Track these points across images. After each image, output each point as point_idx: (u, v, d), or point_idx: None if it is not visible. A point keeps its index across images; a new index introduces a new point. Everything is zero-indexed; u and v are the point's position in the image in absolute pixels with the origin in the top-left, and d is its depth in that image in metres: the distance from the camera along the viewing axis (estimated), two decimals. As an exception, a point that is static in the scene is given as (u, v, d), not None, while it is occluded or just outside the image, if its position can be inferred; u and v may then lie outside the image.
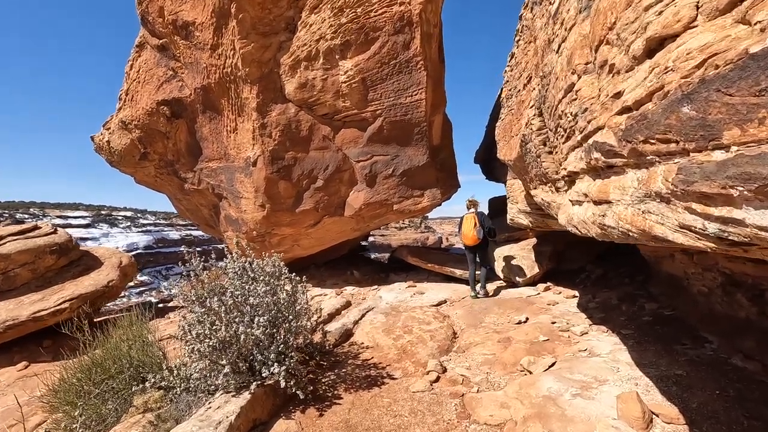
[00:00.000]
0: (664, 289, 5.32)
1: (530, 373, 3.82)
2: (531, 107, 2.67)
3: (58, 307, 6.80)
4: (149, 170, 9.72)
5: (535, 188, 3.14)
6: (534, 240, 8.68)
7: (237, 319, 3.25)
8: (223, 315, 3.18)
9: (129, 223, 61.40)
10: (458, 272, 8.36)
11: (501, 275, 8.16)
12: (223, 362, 3.03)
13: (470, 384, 3.85)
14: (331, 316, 6.31)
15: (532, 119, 2.62)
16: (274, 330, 3.53)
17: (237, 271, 3.75)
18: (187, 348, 3.13)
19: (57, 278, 7.76)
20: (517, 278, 7.58)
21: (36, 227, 8.44)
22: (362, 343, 5.00)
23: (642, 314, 5.02)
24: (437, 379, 3.99)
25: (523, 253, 8.08)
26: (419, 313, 6.05)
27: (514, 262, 7.88)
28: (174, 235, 59.55)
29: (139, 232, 58.94)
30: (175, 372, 3.15)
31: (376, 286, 8.38)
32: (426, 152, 7.64)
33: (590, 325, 5.04)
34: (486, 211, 8.23)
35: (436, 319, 5.75)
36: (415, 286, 8.14)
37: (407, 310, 6.27)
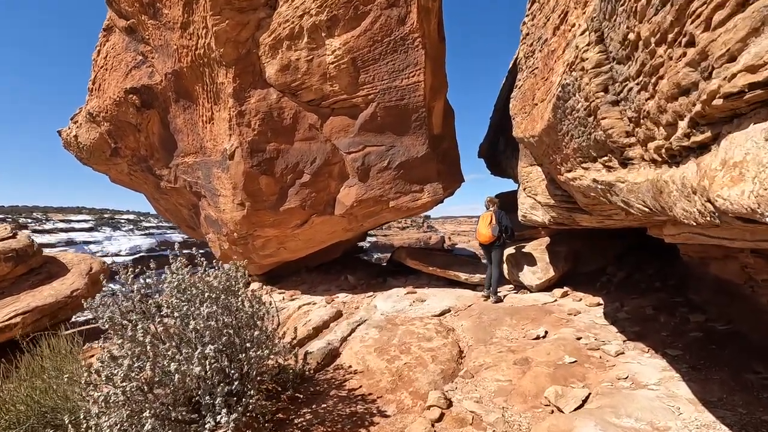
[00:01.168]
0: (709, 296, 4.50)
1: (560, 411, 3.01)
2: (582, 34, 1.87)
3: (6, 323, 6.03)
4: (122, 167, 8.94)
5: (573, 169, 2.37)
6: (546, 239, 7.88)
7: (171, 352, 2.45)
8: (148, 347, 2.37)
9: (132, 226, 62.04)
10: (463, 276, 7.55)
11: (510, 279, 7.36)
12: (147, 413, 2.22)
13: (482, 425, 3.05)
14: (318, 331, 5.51)
15: (584, 52, 1.83)
16: (228, 362, 2.72)
17: (178, 285, 2.93)
18: (97, 394, 2.33)
19: (12, 289, 6.99)
20: (530, 282, 6.77)
21: (-8, 231, 7.69)
22: (350, 366, 4.20)
23: (687, 328, 4.21)
24: (440, 417, 3.20)
25: (535, 254, 7.27)
26: (419, 326, 5.25)
27: (525, 264, 7.08)
28: (177, 237, 59.36)
29: (141, 235, 59.52)
30: (84, 426, 2.35)
31: (371, 293, 7.58)
32: (425, 142, 6.83)
33: (624, 341, 4.24)
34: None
35: (439, 334, 4.95)
36: (416, 293, 7.34)
37: (405, 322, 5.47)
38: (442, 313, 6.08)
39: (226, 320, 2.74)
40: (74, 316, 7.59)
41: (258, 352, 2.84)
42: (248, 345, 2.82)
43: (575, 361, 3.85)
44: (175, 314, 2.67)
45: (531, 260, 7.08)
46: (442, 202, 9.34)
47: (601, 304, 5.60)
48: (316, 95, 6.76)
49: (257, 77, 6.75)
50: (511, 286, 7.40)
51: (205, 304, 2.65)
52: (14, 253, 7.15)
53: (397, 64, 6.49)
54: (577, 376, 3.57)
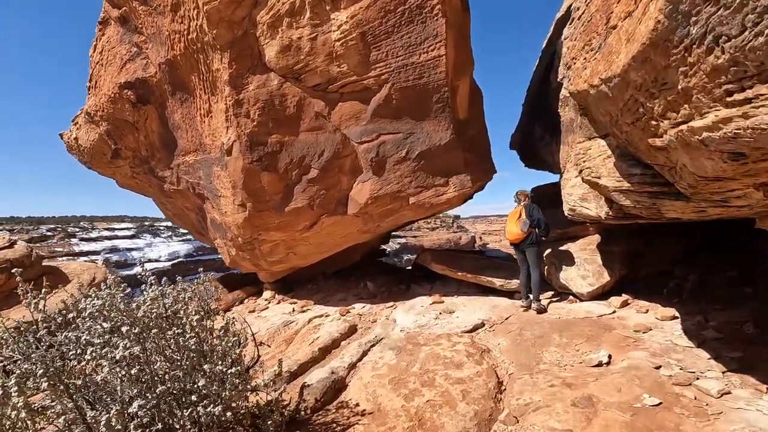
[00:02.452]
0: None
1: (657, 494, 2.03)
2: None
3: (-8, 341, 5.58)
4: (125, 170, 8.48)
5: (702, 112, 1.44)
6: (596, 237, 6.77)
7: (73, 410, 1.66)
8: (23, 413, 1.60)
9: (170, 233, 64.66)
10: (498, 282, 6.56)
11: (553, 285, 6.32)
12: None
13: None
14: (325, 352, 4.69)
15: None
16: (169, 417, 1.92)
17: (98, 312, 2.15)
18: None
19: (5, 302, 6.58)
20: (580, 289, 5.72)
21: (-10, 241, 7.37)
22: (356, 404, 3.35)
23: (815, 356, 3.10)
24: (476, 493, 2.28)
25: (584, 255, 6.20)
26: (446, 347, 4.34)
27: (572, 267, 6.02)
28: (213, 243, 61.21)
29: (179, 241, 62.00)
30: None
31: (392, 303, 6.71)
32: (449, 127, 5.92)
33: (725, 373, 3.19)
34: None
35: (471, 358, 4.02)
36: (442, 302, 6.41)
37: (429, 341, 4.58)
38: (475, 329, 5.14)
39: (156, 366, 1.94)
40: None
41: (210, 408, 2.02)
42: (195, 397, 2.01)
43: (660, 404, 2.84)
44: (87, 355, 1.91)
45: (579, 263, 6.01)
46: (471, 197, 8.37)
47: (677, 318, 4.50)
48: (322, 78, 5.97)
49: (256, 61, 6.03)
50: (553, 292, 6.36)
51: (123, 343, 1.87)
52: (8, 264, 6.76)
53: (413, 37, 5.63)
54: (669, 428, 2.57)
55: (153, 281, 2.78)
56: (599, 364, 3.65)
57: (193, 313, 2.58)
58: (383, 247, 11.77)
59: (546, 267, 6.50)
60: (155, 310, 2.30)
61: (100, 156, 8.24)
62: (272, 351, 5.35)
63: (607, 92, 1.99)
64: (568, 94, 5.89)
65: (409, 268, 11.37)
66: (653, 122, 1.79)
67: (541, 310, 5.38)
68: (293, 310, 7.01)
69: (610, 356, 3.77)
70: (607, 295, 5.71)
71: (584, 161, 3.52)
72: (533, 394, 3.29)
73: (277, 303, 7.90)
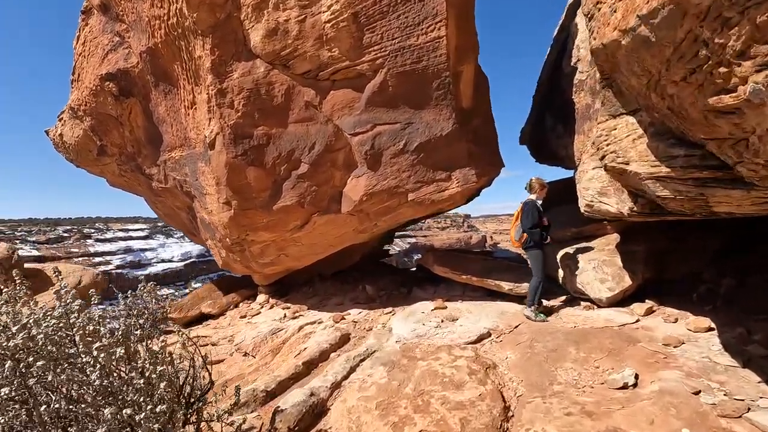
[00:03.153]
0: None
1: None
2: None
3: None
4: (112, 168, 8.11)
5: None
6: (614, 236, 6.19)
7: None
8: None
9: (182, 234, 65.17)
10: (506, 286, 6.02)
11: (568, 288, 5.76)
12: None
13: None
14: (309, 367, 4.21)
15: None
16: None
17: None
18: None
19: (-19, 308, 6.25)
20: (598, 294, 5.15)
21: (-32, 243, 7.05)
22: (336, 435, 2.84)
23: None
24: None
25: (602, 256, 5.63)
26: (446, 362, 3.83)
27: (589, 269, 5.46)
28: (225, 244, 61.69)
29: (191, 241, 62.42)
30: None
31: (391, 309, 6.21)
32: (451, 116, 5.41)
33: (783, 402, 2.61)
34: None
35: (474, 376, 3.50)
36: (445, 308, 5.89)
37: (427, 355, 4.07)
38: (480, 339, 4.62)
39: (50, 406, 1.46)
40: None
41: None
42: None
43: (705, 443, 2.30)
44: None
45: (597, 265, 5.44)
46: (478, 194, 7.84)
47: (713, 329, 3.92)
48: (311, 65, 5.50)
49: (240, 47, 5.58)
50: (565, 296, 5.81)
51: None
52: (-15, 268, 6.42)
53: (410, 16, 5.13)
54: (721, 480, 2.03)
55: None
56: (624, 387, 3.11)
57: (120, 334, 2.10)
58: (386, 247, 11.26)
59: (559, 270, 5.94)
60: (55, 333, 1.84)
61: (86, 153, 7.88)
62: (257, 363, 4.89)
63: (648, 36, 1.48)
64: (584, 77, 5.34)
65: (414, 269, 10.86)
66: (722, 69, 1.28)
67: (542, 319, 4.92)
68: (284, 316, 6.55)
69: (636, 376, 3.22)
70: (628, 301, 5.14)
71: (607, 144, 2.96)
72: (546, 424, 2.76)
73: (270, 308, 7.45)
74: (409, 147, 5.46)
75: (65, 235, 66.39)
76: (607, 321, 4.67)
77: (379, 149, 5.52)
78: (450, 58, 5.27)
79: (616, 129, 2.81)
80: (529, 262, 5.37)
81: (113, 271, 63.03)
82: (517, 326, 4.99)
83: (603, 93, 2.85)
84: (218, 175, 5.70)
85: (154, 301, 2.72)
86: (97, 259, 63.52)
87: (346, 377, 3.62)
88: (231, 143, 5.52)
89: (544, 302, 5.50)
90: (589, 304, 5.33)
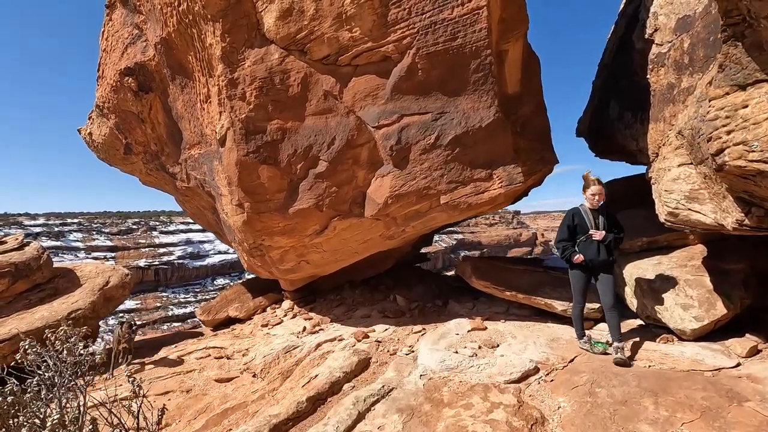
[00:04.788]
0: None
1: None
2: None
3: (-26, 355, 5.13)
4: (139, 166, 7.96)
5: None
6: (700, 249, 5.05)
7: None
8: None
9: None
10: (559, 306, 5.07)
11: (639, 314, 4.73)
12: None
13: None
14: (316, 403, 3.55)
15: None
16: None
17: None
18: None
19: (6, 309, 6.22)
20: (680, 325, 4.11)
21: (0, 242, 7.12)
22: None
23: None
24: None
25: (684, 274, 4.54)
26: (479, 413, 3.04)
27: (668, 291, 4.39)
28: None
29: (221, 241, 64.77)
30: None
31: (421, 327, 5.45)
32: (493, 104, 4.56)
33: None
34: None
35: (514, 440, 2.68)
36: (484, 329, 5.06)
37: (456, 398, 3.30)
38: (524, 377, 3.77)
39: None
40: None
41: None
42: None
43: None
44: None
45: (678, 286, 4.37)
46: (525, 194, 6.88)
47: None
48: (330, 48, 4.84)
49: (253, 32, 5.03)
50: (638, 322, 4.77)
51: None
52: (12, 268, 6.41)
53: (444, -15, 4.32)
54: None
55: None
56: (736, 480, 2.17)
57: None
58: (424, 249, 10.46)
59: (626, 288, 4.91)
60: None
61: (114, 152, 7.77)
62: (263, 388, 4.34)
63: None
64: (665, 49, 4.26)
65: (451, 273, 9.97)
66: None
67: (623, 362, 3.69)
68: (303, 329, 5.97)
69: (752, 462, 2.27)
70: (720, 335, 4.05)
71: (728, 130, 1.99)
72: None
73: (293, 317, 6.94)
74: (442, 141, 4.66)
75: (134, 227, 71.76)
76: (694, 362, 3.64)
77: (407, 144, 4.77)
78: (492, 34, 4.42)
79: (747, 106, 1.87)
80: (599, 284, 4.16)
81: (175, 261, 67.23)
82: (572, 360, 4.08)
83: (726, 49, 1.91)
84: (229, 175, 5.21)
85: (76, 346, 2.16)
86: (161, 250, 68.18)
87: (351, 428, 2.93)
88: (242, 139, 4.99)
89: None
90: (667, 335, 4.28)
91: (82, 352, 2.10)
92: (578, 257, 4.13)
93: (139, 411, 1.98)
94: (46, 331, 2.16)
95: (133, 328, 4.41)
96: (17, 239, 7.28)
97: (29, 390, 1.72)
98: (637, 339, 4.35)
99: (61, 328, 2.22)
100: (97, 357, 2.17)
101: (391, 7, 4.51)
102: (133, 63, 6.27)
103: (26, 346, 1.94)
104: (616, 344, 3.82)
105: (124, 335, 4.43)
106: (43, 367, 1.92)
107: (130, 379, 2.13)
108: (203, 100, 5.77)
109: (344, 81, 4.97)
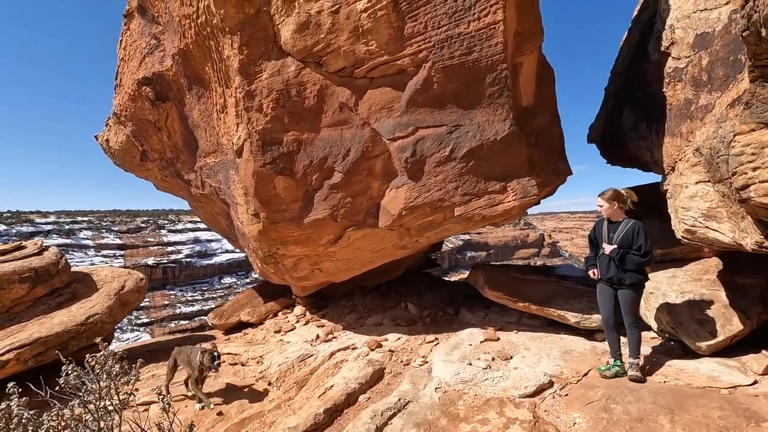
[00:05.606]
0: None
1: None
2: None
3: (-3, 360, 5.25)
4: (154, 173, 8.10)
5: None
6: (715, 262, 5.06)
7: None
8: None
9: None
10: (572, 318, 5.09)
11: (653, 327, 4.73)
12: None
13: None
14: (333, 414, 3.62)
15: None
16: None
17: None
18: None
19: (26, 314, 6.36)
20: (696, 340, 4.10)
21: (20, 246, 7.28)
22: None
23: None
24: None
25: (699, 288, 4.56)
26: (496, 427, 3.10)
27: (682, 304, 4.41)
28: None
29: (233, 246, 65.07)
30: None
31: (433, 337, 5.50)
32: (508, 117, 4.59)
33: None
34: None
35: (532, 458, 2.72)
36: (497, 339, 5.09)
37: (472, 412, 3.35)
38: (539, 391, 3.80)
39: None
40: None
41: None
42: None
43: None
44: None
45: (693, 299, 4.39)
46: (537, 203, 6.90)
47: None
48: (346, 61, 4.90)
49: (270, 45, 5.11)
50: (652, 335, 4.77)
51: None
52: (32, 273, 6.54)
53: (460, 0, 4.35)
54: None
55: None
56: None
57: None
58: (433, 256, 10.49)
59: (641, 301, 4.91)
60: None
61: (130, 158, 7.91)
62: (279, 397, 4.41)
63: None
64: (682, 64, 4.25)
65: (460, 277, 9.99)
66: None
67: (638, 379, 3.68)
68: (317, 337, 6.05)
69: (771, 488, 2.29)
70: (736, 350, 4.05)
71: (754, 167, 2.02)
72: None
73: (305, 323, 7.02)
74: (457, 153, 4.70)
75: (143, 225, 72.52)
76: (710, 379, 3.65)
77: (422, 156, 4.82)
78: (507, 48, 4.45)
79: (775, 143, 1.89)
80: (622, 303, 3.96)
81: (183, 260, 67.85)
82: (587, 373, 4.10)
83: (753, 89, 1.93)
84: (246, 185, 5.29)
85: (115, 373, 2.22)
86: (169, 248, 68.87)
87: (369, 444, 2.99)
88: (259, 150, 5.07)
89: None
90: (681, 350, 4.29)
91: (118, 372, 2.17)
92: (592, 271, 4.15)
93: (170, 430, 2.05)
94: (87, 355, 2.21)
95: (215, 362, 4.20)
96: (36, 244, 7.43)
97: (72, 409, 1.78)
98: (652, 353, 4.37)
99: (101, 353, 2.26)
100: (130, 384, 2.21)
101: (407, 21, 4.56)
102: (151, 73, 6.38)
103: (69, 371, 2.01)
104: (631, 360, 3.82)
105: (206, 367, 4.25)
106: (83, 390, 1.99)
107: (160, 397, 2.20)
108: (220, 110, 5.87)
109: (360, 93, 5.03)
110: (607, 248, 3.89)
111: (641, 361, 3.89)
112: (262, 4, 5.01)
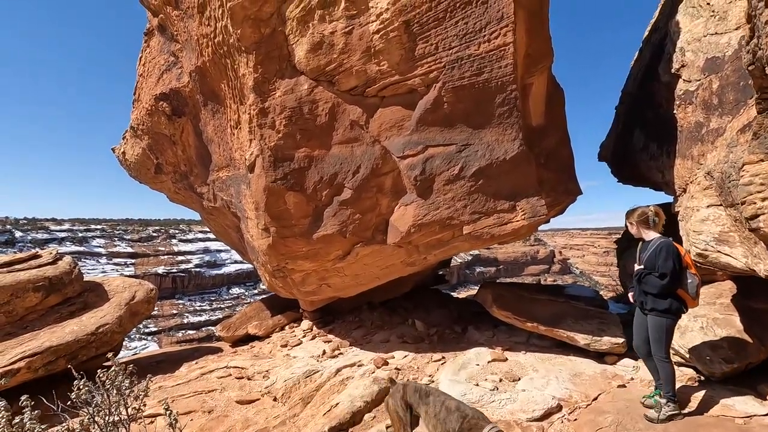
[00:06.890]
0: None
1: None
2: None
3: (8, 368, 5.32)
4: (168, 185, 8.26)
5: None
6: (729, 285, 4.98)
7: None
8: None
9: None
10: (582, 339, 5.02)
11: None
12: None
13: None
14: (337, 434, 3.60)
15: None
16: None
17: None
18: None
19: (38, 322, 6.46)
20: (707, 365, 4.03)
21: (36, 255, 7.43)
22: None
23: None
24: None
25: (712, 312, 4.49)
26: (502, 454, 2.99)
27: (694, 329, 4.35)
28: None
29: (243, 259, 65.22)
30: None
31: (441, 355, 5.46)
32: (517, 137, 4.62)
33: None
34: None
35: (539, 486, 2.67)
36: (505, 360, 5.04)
37: (479, 437, 3.26)
38: (547, 415, 3.75)
39: None
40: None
41: None
42: None
43: None
44: None
45: (706, 324, 4.32)
46: (547, 222, 6.88)
47: None
48: (358, 80, 5.00)
49: (284, 64, 5.24)
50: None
51: None
52: (46, 282, 6.67)
53: (471, 22, 4.47)
54: None
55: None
56: None
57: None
58: (441, 272, 10.45)
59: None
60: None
61: (145, 171, 8.09)
62: (284, 413, 4.40)
63: None
64: (692, 87, 4.26)
65: (472, 293, 9.89)
66: None
67: (668, 418, 3.31)
68: (323, 353, 6.04)
69: None
70: (751, 378, 3.95)
71: (763, 196, 2.00)
72: None
73: (312, 338, 7.02)
74: (466, 172, 4.73)
75: (154, 234, 73.44)
76: (724, 407, 3.56)
77: (431, 174, 4.85)
78: (517, 69, 4.51)
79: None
80: (650, 330, 3.52)
81: (193, 269, 68.35)
82: (596, 398, 4.03)
83: (761, 120, 1.94)
84: (257, 200, 5.37)
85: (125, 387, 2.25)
86: (180, 258, 69.51)
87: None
88: (270, 166, 5.16)
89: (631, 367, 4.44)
90: (694, 375, 4.20)
91: (128, 387, 2.20)
92: (630, 294, 3.80)
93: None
94: (99, 371, 2.25)
95: None
96: (51, 253, 7.59)
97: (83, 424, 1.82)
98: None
99: (112, 369, 2.30)
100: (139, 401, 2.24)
101: (418, 42, 4.65)
102: (168, 89, 6.57)
103: (80, 385, 2.05)
104: (657, 399, 3.46)
105: None
106: (92, 405, 2.02)
107: (167, 412, 2.22)
108: (233, 126, 6.00)
109: (371, 111, 5.12)
110: (635, 268, 3.57)
111: (672, 404, 3.36)
112: (277, 24, 5.16)
